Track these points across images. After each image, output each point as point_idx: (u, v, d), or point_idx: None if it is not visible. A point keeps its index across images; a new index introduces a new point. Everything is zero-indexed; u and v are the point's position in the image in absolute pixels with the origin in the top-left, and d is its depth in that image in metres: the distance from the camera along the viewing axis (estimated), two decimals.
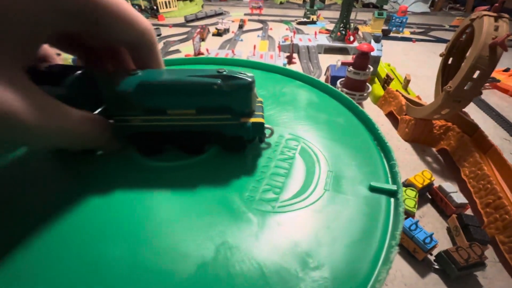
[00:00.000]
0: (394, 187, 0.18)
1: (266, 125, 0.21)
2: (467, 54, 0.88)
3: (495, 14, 0.83)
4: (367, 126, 0.25)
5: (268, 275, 0.14)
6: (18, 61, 0.14)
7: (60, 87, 0.18)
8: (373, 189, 0.19)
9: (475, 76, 0.84)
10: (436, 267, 0.68)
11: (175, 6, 3.25)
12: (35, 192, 0.18)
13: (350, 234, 0.16)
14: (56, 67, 0.19)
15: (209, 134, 0.21)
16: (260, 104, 0.22)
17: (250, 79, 0.19)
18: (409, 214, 0.75)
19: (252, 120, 0.20)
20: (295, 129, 0.25)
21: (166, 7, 3.18)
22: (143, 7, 3.09)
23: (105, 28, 0.18)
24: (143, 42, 0.20)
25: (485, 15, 0.84)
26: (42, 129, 0.15)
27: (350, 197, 0.18)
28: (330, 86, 0.30)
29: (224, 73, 0.18)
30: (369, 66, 1.21)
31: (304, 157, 0.22)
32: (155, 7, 3.10)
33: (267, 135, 0.23)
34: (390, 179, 0.20)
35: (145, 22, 0.20)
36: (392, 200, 0.18)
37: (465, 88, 0.87)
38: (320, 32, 2.49)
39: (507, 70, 1.73)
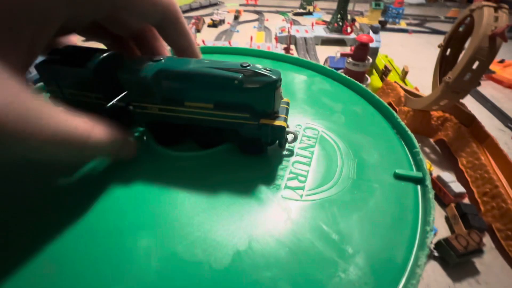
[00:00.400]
0: (419, 174, 0.18)
1: (288, 130, 0.19)
2: (466, 45, 0.88)
3: (495, 5, 0.83)
4: (385, 114, 0.25)
5: (305, 263, 0.14)
6: (20, 57, 0.13)
7: (84, 69, 0.17)
8: (398, 177, 0.19)
9: (474, 67, 0.85)
10: (436, 254, 0.69)
11: None
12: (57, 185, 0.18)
13: (381, 221, 0.16)
14: (78, 49, 0.19)
15: (225, 132, 0.20)
16: (285, 106, 0.20)
17: (275, 77, 0.17)
18: None
19: (273, 122, 0.18)
20: (312, 118, 0.25)
21: None
22: None
23: (126, 11, 0.17)
24: (168, 18, 0.19)
25: (485, 5, 0.84)
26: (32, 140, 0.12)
27: (376, 184, 0.18)
28: (344, 75, 0.30)
29: (248, 67, 0.17)
30: (368, 57, 1.20)
31: (325, 146, 0.22)
32: None
33: (289, 140, 0.21)
34: (414, 167, 0.20)
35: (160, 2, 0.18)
36: (419, 187, 0.18)
37: (464, 79, 0.88)
38: (316, 23, 2.46)
39: (502, 61, 1.75)
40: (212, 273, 0.13)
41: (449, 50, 1.13)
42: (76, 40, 0.21)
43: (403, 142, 0.22)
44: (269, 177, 0.19)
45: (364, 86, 0.96)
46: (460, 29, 1.06)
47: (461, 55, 0.88)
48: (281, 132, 0.18)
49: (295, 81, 0.31)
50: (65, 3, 0.13)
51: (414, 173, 0.19)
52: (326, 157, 0.21)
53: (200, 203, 0.17)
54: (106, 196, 0.17)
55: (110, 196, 0.17)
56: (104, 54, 0.18)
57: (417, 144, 0.20)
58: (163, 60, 0.18)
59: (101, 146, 0.15)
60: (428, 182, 0.18)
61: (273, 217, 0.16)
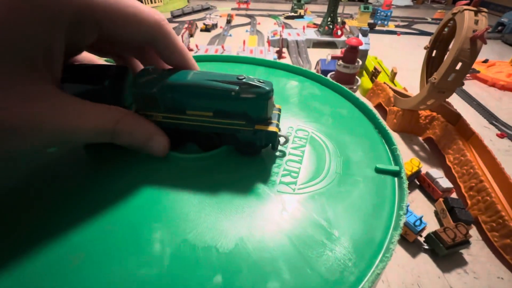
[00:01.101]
0: (397, 168, 0.21)
1: (280, 134, 0.22)
2: (450, 47, 0.93)
3: (475, 9, 0.88)
4: (368, 116, 0.27)
5: (297, 244, 0.16)
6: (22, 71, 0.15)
7: (99, 86, 0.19)
8: (378, 171, 0.21)
9: (457, 68, 0.89)
10: (426, 247, 0.73)
11: (161, 1, 3.18)
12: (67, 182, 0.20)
13: (363, 209, 0.18)
14: (89, 66, 0.21)
15: (224, 136, 0.22)
16: (277, 112, 0.22)
17: (268, 88, 0.19)
18: None
19: (266, 128, 0.20)
20: (303, 120, 0.28)
21: (151, 2, 3.12)
22: None
23: (112, 31, 0.18)
24: (157, 37, 0.19)
25: (466, 9, 0.89)
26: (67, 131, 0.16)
27: (359, 178, 0.21)
28: (331, 80, 0.33)
29: (243, 80, 0.19)
30: (358, 59, 1.24)
31: (314, 145, 0.24)
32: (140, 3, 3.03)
33: (281, 143, 0.23)
34: (392, 162, 0.22)
35: (153, 14, 0.19)
36: (396, 179, 0.20)
37: (448, 79, 0.92)
38: (308, 26, 2.51)
39: (486, 61, 1.82)
40: (219, 255, 0.16)
41: (435, 51, 1.17)
42: (95, 57, 0.23)
43: (383, 140, 0.24)
44: (265, 175, 0.21)
45: (354, 87, 0.99)
46: (446, 29, 1.11)
47: (446, 56, 0.93)
48: (274, 136, 0.21)
49: (286, 87, 0.33)
50: (55, 30, 0.15)
51: (392, 167, 0.21)
52: (315, 155, 0.23)
53: (206, 199, 0.19)
54: (123, 193, 0.19)
55: (127, 193, 0.19)
56: (114, 71, 0.20)
57: (395, 142, 0.23)
58: (166, 74, 0.20)
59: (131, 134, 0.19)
60: (403, 174, 0.20)
61: (270, 208, 0.19)
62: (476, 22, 0.86)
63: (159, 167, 0.21)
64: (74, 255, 0.15)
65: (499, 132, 1.21)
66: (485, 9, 0.88)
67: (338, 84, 0.32)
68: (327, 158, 0.23)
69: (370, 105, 1.39)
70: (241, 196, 0.19)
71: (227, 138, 0.22)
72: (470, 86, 1.65)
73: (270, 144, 0.22)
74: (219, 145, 0.23)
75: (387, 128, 0.24)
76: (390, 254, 0.15)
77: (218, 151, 0.23)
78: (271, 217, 0.18)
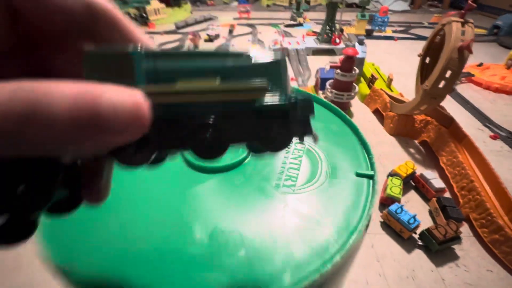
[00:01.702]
0: (372, 173, 0.28)
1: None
2: (441, 55, 0.99)
3: (462, 20, 0.95)
4: (353, 130, 0.34)
5: (295, 229, 0.23)
6: None
7: None
8: (358, 175, 0.28)
9: (447, 75, 0.95)
10: (420, 243, 0.78)
11: (165, 13, 3.30)
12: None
13: (345, 204, 0.25)
14: None
15: (234, 124, 0.13)
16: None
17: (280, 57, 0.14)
18: (395, 199, 0.86)
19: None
20: None
21: (156, 14, 3.23)
22: (133, 15, 3.13)
23: (34, 19, 0.11)
24: (97, 15, 0.12)
25: (453, 21, 0.95)
26: None
27: (343, 181, 0.27)
28: (324, 99, 0.39)
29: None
30: (355, 68, 1.31)
31: (309, 156, 0.31)
32: (144, 15, 3.15)
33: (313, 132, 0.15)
34: (369, 167, 0.29)
35: None
36: (371, 181, 0.27)
37: (439, 86, 0.99)
38: (307, 34, 2.59)
39: (480, 64, 1.88)
40: (242, 237, 0.22)
41: (428, 58, 1.24)
42: None
43: (364, 151, 0.31)
44: (271, 180, 0.28)
45: (352, 94, 1.06)
46: (438, 37, 1.17)
47: (436, 65, 0.99)
48: (310, 105, 0.14)
49: None
50: None
51: (369, 172, 0.28)
52: (310, 163, 0.30)
53: (227, 199, 0.26)
54: (171, 199, 0.26)
55: (174, 200, 0.26)
56: None
57: (372, 152, 0.29)
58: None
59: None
60: (375, 178, 0.27)
61: (276, 204, 0.25)
62: (463, 33, 0.93)
63: (184, 181, 0.28)
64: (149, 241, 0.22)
65: (492, 134, 1.27)
66: (471, 20, 0.94)
67: (330, 103, 0.38)
68: (319, 165, 0.29)
69: (368, 109, 1.46)
70: (254, 196, 0.26)
71: (238, 128, 0.13)
72: (465, 89, 1.71)
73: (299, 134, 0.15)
74: (224, 145, 0.14)
75: (367, 140, 0.31)
76: (361, 235, 0.21)
77: (232, 171, 0.29)
78: (276, 211, 0.24)
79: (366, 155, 0.30)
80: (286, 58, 0.14)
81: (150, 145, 0.13)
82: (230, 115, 0.13)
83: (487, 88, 1.69)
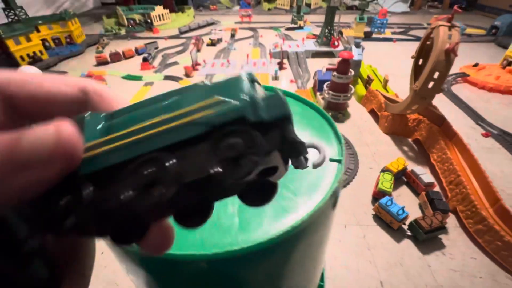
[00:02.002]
0: (341, 158, 0.34)
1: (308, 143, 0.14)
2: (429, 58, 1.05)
3: (449, 24, 1.00)
4: (331, 126, 0.40)
5: (278, 201, 0.29)
6: None
7: None
8: (332, 160, 0.34)
9: (435, 77, 1.01)
10: (409, 233, 0.84)
11: (168, 18, 3.40)
12: None
13: (318, 181, 0.31)
14: None
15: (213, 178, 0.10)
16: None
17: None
18: (386, 193, 0.91)
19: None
20: None
21: (160, 20, 3.33)
22: (137, 21, 3.23)
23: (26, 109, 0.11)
24: (89, 102, 0.13)
25: (441, 25, 1.01)
26: None
27: (323, 165, 0.34)
28: (308, 100, 0.46)
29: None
30: (351, 70, 1.37)
31: None
32: (149, 21, 3.25)
33: (315, 161, 0.14)
34: (341, 154, 0.35)
35: (77, 82, 0.13)
36: (338, 164, 0.33)
37: (428, 87, 1.04)
38: (307, 37, 2.66)
39: (476, 65, 1.92)
40: (234, 207, 0.29)
41: (421, 60, 1.29)
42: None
43: (338, 142, 0.37)
44: None
45: (348, 95, 1.12)
46: (429, 42, 1.23)
47: (425, 67, 1.05)
48: (280, 102, 0.11)
49: None
50: None
51: (338, 157, 0.34)
52: None
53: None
54: None
55: None
56: None
57: (343, 141, 0.36)
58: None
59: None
60: (343, 162, 0.33)
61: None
62: (450, 36, 0.98)
63: None
64: None
65: (484, 132, 1.31)
66: (457, 24, 1.00)
67: (314, 103, 0.45)
68: None
69: (364, 110, 1.51)
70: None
71: (195, 161, 0.10)
72: (460, 89, 1.76)
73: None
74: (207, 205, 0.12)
75: (340, 133, 0.37)
76: (324, 203, 0.28)
77: None
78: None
79: (340, 145, 0.36)
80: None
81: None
82: (182, 146, 0.10)
83: (482, 87, 1.73)
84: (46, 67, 2.13)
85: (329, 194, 0.28)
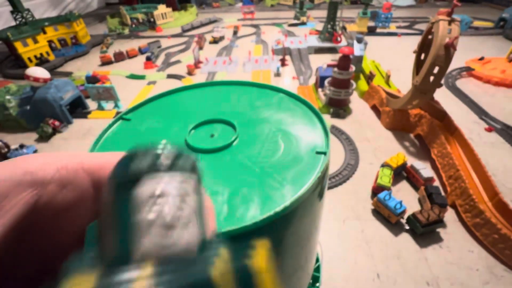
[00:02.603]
0: (326, 150, 0.35)
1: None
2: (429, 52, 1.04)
3: (448, 19, 1.00)
4: (320, 119, 0.42)
5: (265, 189, 0.31)
6: None
7: None
8: (317, 152, 0.36)
9: (435, 71, 1.01)
10: (407, 227, 0.85)
11: (171, 17, 3.43)
12: None
13: (304, 170, 0.33)
14: None
15: None
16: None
17: None
18: (384, 188, 0.92)
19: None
20: (281, 124, 0.42)
21: (163, 19, 3.36)
22: (141, 20, 3.27)
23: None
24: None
25: (440, 19, 1.01)
26: None
27: (306, 156, 0.35)
28: (300, 96, 0.47)
29: None
30: (352, 65, 1.37)
31: (284, 139, 0.39)
32: (152, 19, 3.28)
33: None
34: (326, 147, 0.36)
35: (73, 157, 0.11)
36: (324, 156, 0.35)
37: (428, 81, 1.04)
38: (310, 33, 2.65)
39: (481, 58, 1.89)
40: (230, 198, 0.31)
41: (423, 55, 1.29)
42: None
43: (326, 136, 0.39)
44: (255, 158, 0.36)
45: (349, 91, 1.13)
46: (430, 36, 1.22)
47: (425, 62, 1.04)
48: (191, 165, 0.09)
49: (273, 101, 0.48)
50: None
51: (324, 149, 0.36)
52: (285, 144, 0.38)
53: (218, 174, 0.34)
54: None
55: None
56: None
57: (330, 135, 0.37)
58: None
59: None
60: (328, 153, 0.35)
61: (252, 174, 0.33)
62: (450, 31, 0.98)
63: None
64: None
65: (487, 127, 1.30)
66: (458, 19, 0.99)
67: (304, 99, 0.46)
68: (293, 145, 0.37)
69: (366, 105, 1.51)
70: (242, 174, 0.34)
71: None
72: (465, 83, 1.74)
73: None
74: None
75: (328, 128, 0.39)
76: (309, 190, 0.29)
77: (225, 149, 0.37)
78: (256, 178, 0.33)
79: (325, 138, 0.38)
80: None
81: None
82: None
83: (487, 82, 1.71)
84: (52, 68, 2.18)
85: (312, 183, 0.30)
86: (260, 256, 0.08)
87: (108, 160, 0.11)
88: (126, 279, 0.07)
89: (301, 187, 0.30)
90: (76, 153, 0.11)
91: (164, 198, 0.08)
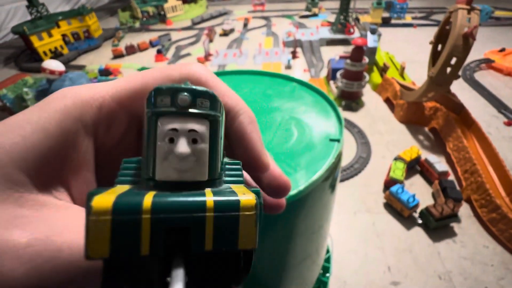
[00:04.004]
0: (339, 137, 0.35)
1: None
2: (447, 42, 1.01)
3: (468, 7, 0.96)
4: (334, 109, 0.41)
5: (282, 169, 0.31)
6: None
7: None
8: (331, 139, 0.35)
9: (452, 62, 0.97)
10: (419, 221, 0.83)
11: (181, 10, 3.42)
12: None
13: (318, 156, 0.33)
14: None
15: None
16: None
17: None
18: (397, 181, 0.91)
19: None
20: (294, 112, 0.42)
21: (173, 11, 3.36)
22: (151, 13, 3.28)
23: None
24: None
25: (459, 8, 0.97)
26: None
27: (319, 143, 0.35)
28: (313, 85, 0.47)
29: None
30: (365, 57, 1.34)
31: (298, 127, 0.39)
32: (162, 12, 3.29)
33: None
34: (339, 134, 0.36)
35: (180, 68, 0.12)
36: (337, 142, 0.35)
37: (445, 73, 1.01)
38: (322, 24, 2.60)
39: (502, 50, 1.81)
40: None
41: (440, 46, 1.24)
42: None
43: (339, 124, 0.38)
44: (270, 142, 0.36)
45: (362, 83, 1.11)
46: (448, 27, 1.17)
47: (442, 53, 1.01)
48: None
49: (285, 90, 0.48)
50: None
51: (337, 137, 0.35)
52: (298, 132, 0.38)
53: None
54: None
55: None
56: None
57: (343, 123, 0.37)
58: None
59: None
60: (342, 141, 0.34)
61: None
62: (469, 20, 0.94)
63: None
64: None
65: (506, 120, 1.25)
66: (478, 7, 0.95)
67: (317, 87, 0.46)
68: (307, 134, 0.37)
69: (379, 98, 1.48)
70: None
71: None
72: (484, 76, 1.67)
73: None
74: None
75: (342, 117, 0.38)
76: (322, 175, 0.29)
77: None
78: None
79: (339, 127, 0.37)
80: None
81: None
82: None
83: (508, 74, 1.64)
84: (66, 61, 2.23)
85: (326, 169, 0.30)
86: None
87: (132, 88, 0.12)
88: (143, 193, 0.08)
89: (314, 173, 0.30)
90: (99, 87, 0.12)
91: (183, 132, 0.09)
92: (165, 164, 0.09)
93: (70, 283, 0.09)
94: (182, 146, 0.09)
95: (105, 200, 0.08)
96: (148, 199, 0.08)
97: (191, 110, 0.09)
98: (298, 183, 0.29)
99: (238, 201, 0.08)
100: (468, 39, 0.92)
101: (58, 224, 0.09)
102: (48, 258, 0.08)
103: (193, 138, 0.09)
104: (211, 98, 0.10)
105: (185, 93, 0.09)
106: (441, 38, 1.22)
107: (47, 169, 0.10)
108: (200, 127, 0.09)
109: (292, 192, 0.27)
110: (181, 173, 0.09)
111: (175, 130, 0.09)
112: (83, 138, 0.11)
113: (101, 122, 0.11)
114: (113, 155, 0.12)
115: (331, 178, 0.33)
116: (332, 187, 0.38)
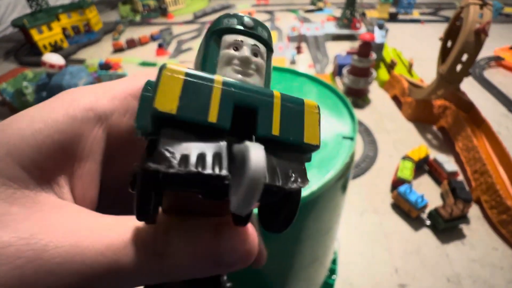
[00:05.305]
0: (353, 135, 0.33)
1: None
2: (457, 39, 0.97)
3: (480, 2, 0.92)
4: (346, 105, 0.39)
5: None
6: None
7: None
8: (344, 137, 0.33)
9: (463, 59, 0.94)
10: (428, 223, 0.82)
11: (183, 3, 3.37)
12: None
13: (333, 153, 0.31)
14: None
15: None
16: None
17: None
18: (405, 181, 0.89)
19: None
20: None
21: (175, 5, 3.31)
22: (152, 7, 3.23)
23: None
24: None
25: (471, 3, 0.93)
26: None
27: (332, 141, 0.33)
28: (324, 81, 0.44)
29: None
30: (372, 53, 1.31)
31: None
32: (163, 6, 3.24)
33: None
34: (353, 132, 0.34)
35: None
36: (350, 140, 0.33)
37: (456, 70, 0.98)
38: (327, 19, 2.55)
39: None
40: None
41: (449, 42, 1.21)
42: None
43: (352, 122, 0.36)
44: None
45: (369, 80, 1.08)
46: (458, 23, 1.14)
47: (452, 49, 0.98)
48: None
49: (293, 85, 0.46)
50: None
51: (351, 135, 0.33)
52: None
53: None
54: None
55: None
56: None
57: (357, 121, 0.35)
58: None
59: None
60: (355, 139, 0.33)
61: None
62: (481, 15, 0.91)
63: None
64: None
65: None
66: (490, 2, 0.92)
67: (328, 83, 0.43)
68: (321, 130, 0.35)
69: (387, 95, 1.45)
70: None
71: None
72: (494, 74, 1.63)
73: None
74: None
75: (354, 114, 0.36)
76: (336, 175, 0.28)
77: None
78: None
79: (353, 124, 0.36)
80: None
81: None
82: None
83: None
84: (66, 55, 2.20)
85: (340, 169, 0.28)
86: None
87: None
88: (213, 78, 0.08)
89: (327, 172, 0.28)
90: (112, 83, 0.12)
91: (247, 44, 0.10)
92: (227, 68, 0.10)
93: (56, 285, 0.08)
94: (247, 52, 0.10)
95: (178, 67, 0.08)
96: (219, 77, 0.08)
97: (255, 32, 0.10)
98: (309, 183, 0.27)
99: (303, 100, 0.09)
100: (480, 36, 0.89)
101: (47, 223, 0.09)
102: (32, 258, 0.08)
103: (254, 52, 0.10)
104: (269, 32, 0.11)
105: (250, 18, 0.10)
106: (451, 34, 1.18)
107: (49, 163, 0.10)
108: (262, 46, 0.10)
109: (304, 193, 0.25)
110: (244, 76, 0.10)
111: (240, 41, 0.10)
112: (93, 126, 0.11)
113: (116, 109, 0.11)
114: (126, 147, 0.12)
115: (344, 178, 0.32)
116: (344, 187, 0.36)
